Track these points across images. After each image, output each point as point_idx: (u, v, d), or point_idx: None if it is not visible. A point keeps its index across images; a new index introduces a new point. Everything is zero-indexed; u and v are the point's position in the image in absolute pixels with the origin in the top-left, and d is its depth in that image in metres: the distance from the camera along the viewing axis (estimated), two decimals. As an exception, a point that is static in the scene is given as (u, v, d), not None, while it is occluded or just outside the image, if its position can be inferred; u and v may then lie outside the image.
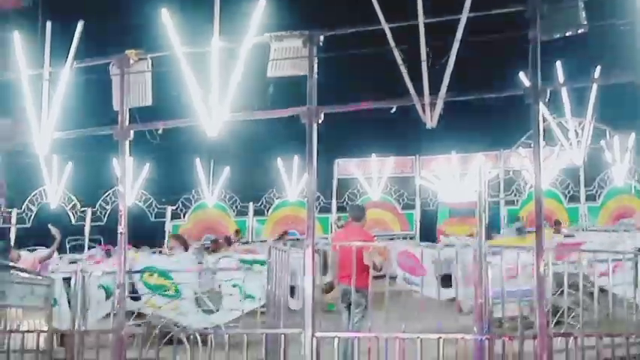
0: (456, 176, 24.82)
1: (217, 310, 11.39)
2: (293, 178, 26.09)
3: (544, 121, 10.29)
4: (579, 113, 13.52)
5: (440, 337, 7.07)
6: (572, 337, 7.18)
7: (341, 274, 9.47)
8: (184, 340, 8.36)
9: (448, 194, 25.15)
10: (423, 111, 6.86)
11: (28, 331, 8.36)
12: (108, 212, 25.40)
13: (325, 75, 7.44)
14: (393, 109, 6.98)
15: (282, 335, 7.83)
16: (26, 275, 9.34)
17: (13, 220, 24.88)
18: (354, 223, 10.03)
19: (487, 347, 7.35)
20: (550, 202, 23.81)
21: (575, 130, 13.71)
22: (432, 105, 6.82)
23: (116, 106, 8.11)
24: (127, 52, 7.97)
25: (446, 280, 11.69)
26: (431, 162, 25.62)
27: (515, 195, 24.77)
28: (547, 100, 6.79)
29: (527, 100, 6.72)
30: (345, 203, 26.16)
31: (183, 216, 26.92)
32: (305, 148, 7.23)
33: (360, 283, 9.21)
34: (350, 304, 9.43)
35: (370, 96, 7.56)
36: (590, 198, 23.87)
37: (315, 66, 7.26)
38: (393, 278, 11.52)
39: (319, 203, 25.36)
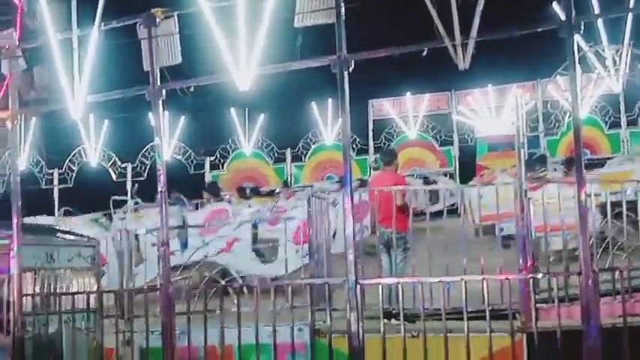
0: (492, 110, 24.53)
1: (274, 261, 11.57)
2: (328, 122, 26.02)
3: (579, 51, 10.04)
4: (616, 40, 13.18)
5: (484, 279, 7.05)
6: (617, 271, 7.12)
7: (379, 218, 9.58)
8: (230, 291, 8.46)
9: (486, 128, 24.90)
10: (455, 52, 6.74)
11: (77, 292, 8.52)
12: (148, 167, 25.61)
13: (354, 21, 7.32)
14: (425, 52, 6.86)
15: (327, 285, 7.88)
16: (72, 237, 9.52)
17: (56, 181, 25.23)
18: (386, 167, 10.16)
19: (532, 284, 7.33)
20: (590, 129, 23.44)
21: (613, 58, 13.39)
22: (464, 45, 6.70)
23: (146, 67, 8.08)
24: (153, 10, 7.91)
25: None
26: (466, 97, 25.32)
27: (554, 125, 24.42)
28: (581, 31, 6.59)
29: (560, 34, 6.55)
30: (382, 144, 26.09)
31: (222, 166, 27.06)
32: (337, 93, 7.17)
33: (399, 226, 9.34)
34: (390, 247, 9.53)
35: (400, 39, 7.44)
36: (632, 123, 23.45)
37: (343, 13, 7.14)
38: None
39: (356, 145, 25.29)
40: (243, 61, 7.56)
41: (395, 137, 26.33)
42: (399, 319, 7.76)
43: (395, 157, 10.37)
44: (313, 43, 8.07)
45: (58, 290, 8.54)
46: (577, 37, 6.95)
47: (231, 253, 12.08)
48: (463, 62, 6.72)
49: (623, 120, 23.37)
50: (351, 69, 6.94)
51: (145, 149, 25.63)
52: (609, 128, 23.79)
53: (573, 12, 6.57)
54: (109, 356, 8.79)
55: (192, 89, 8.06)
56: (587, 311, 6.18)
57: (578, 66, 6.68)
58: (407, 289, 8.01)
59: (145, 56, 8.03)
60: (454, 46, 6.69)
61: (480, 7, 6.74)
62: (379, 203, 9.66)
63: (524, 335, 7.78)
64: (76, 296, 8.43)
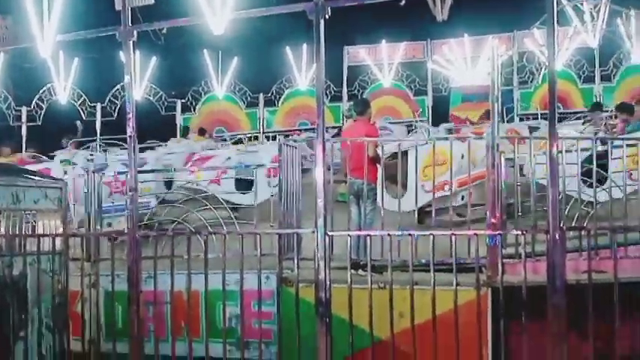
0: (468, 60, 24.45)
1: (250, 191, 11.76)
2: (302, 67, 25.79)
3: (558, 5, 10.00)
4: (593, -6, 13.25)
5: (453, 234, 7.06)
6: (584, 231, 7.18)
7: (350, 167, 9.56)
8: (198, 236, 8.39)
9: (461, 79, 24.84)
10: (434, 3, 6.63)
11: (43, 235, 8.42)
12: (118, 107, 25.28)
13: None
14: (402, 2, 6.74)
15: (295, 234, 7.86)
16: (39, 178, 9.36)
17: (24, 118, 24.84)
18: (359, 117, 10.10)
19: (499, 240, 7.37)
20: (564, 83, 23.44)
21: (591, 13, 13.34)
22: (442, -3, 6.60)
23: (118, 6, 7.87)
24: (126, -52, 7.68)
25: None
26: (442, 46, 25.18)
27: (528, 78, 24.40)
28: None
29: (541, -14, 6.45)
30: (356, 91, 25.96)
31: (194, 109, 26.81)
32: (313, 38, 7.05)
33: (370, 177, 9.35)
34: (359, 198, 9.53)
35: (378, -14, 7.30)
36: (606, 78, 23.49)
37: (321, -43, 6.97)
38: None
39: (330, 92, 25.15)
40: (217, 5, 7.39)
41: (369, 85, 26.17)
42: (366, 270, 7.79)
43: (368, 106, 10.31)
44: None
45: (23, 232, 8.42)
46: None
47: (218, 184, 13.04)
48: (441, 14, 6.62)
49: (597, 75, 23.37)
50: (327, 16, 6.80)
51: (115, 89, 25.25)
52: (583, 82, 23.80)
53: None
54: (74, 299, 8.77)
55: (164, 31, 7.90)
56: (553, 269, 6.22)
57: (555, 20, 6.57)
58: (375, 240, 8.03)
59: (116, -5, 7.81)
60: (432, -3, 6.59)
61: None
62: (350, 153, 9.62)
63: (489, 289, 7.88)
64: (41, 238, 8.33)
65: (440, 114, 24.51)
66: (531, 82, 24.36)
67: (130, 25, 7.76)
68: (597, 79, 23.26)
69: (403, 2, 6.78)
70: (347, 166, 9.74)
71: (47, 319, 8.42)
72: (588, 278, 6.72)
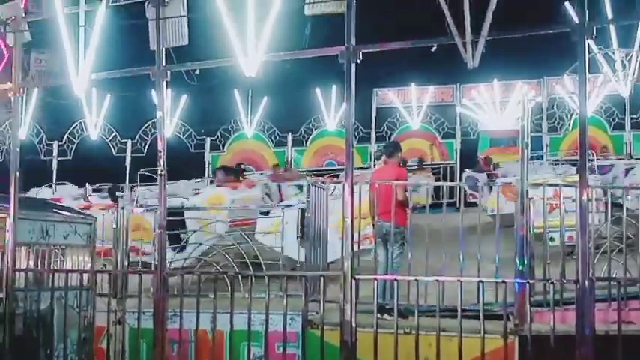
0: (497, 104, 24.39)
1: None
2: (331, 108, 25.89)
3: (589, 53, 9.98)
4: (626, 44, 13.13)
5: (480, 281, 7.02)
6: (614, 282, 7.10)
7: (378, 211, 9.54)
8: (225, 278, 8.42)
9: (489, 123, 24.78)
10: (465, 50, 6.67)
11: (72, 270, 8.48)
12: (148, 143, 25.50)
13: (364, 12, 7.24)
14: (434, 48, 6.79)
15: (322, 277, 7.84)
16: (69, 214, 9.45)
17: (55, 153, 25.14)
18: (388, 159, 10.11)
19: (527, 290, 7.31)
20: (594, 129, 23.31)
21: (622, 62, 13.31)
22: (474, 43, 6.63)
23: (153, 46, 8.01)
24: (162, -10, 7.83)
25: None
26: (471, 90, 25.12)
27: (558, 124, 24.30)
28: (594, 36, 6.52)
29: (573, 37, 6.47)
30: (384, 133, 25.98)
31: (222, 147, 26.98)
32: (344, 79, 7.12)
33: (398, 220, 9.32)
34: (387, 241, 9.49)
35: (409, 32, 7.37)
36: (636, 126, 23.33)
37: (354, 3, 7.06)
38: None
39: (358, 133, 25.19)
40: (250, 47, 7.48)
41: (398, 127, 26.20)
42: (392, 315, 7.74)
43: (398, 149, 10.29)
44: (322, 31, 8.01)
45: (52, 266, 8.49)
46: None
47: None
48: (472, 60, 6.65)
49: (628, 122, 23.22)
50: (359, 60, 6.87)
51: (145, 125, 25.52)
52: (613, 130, 23.66)
53: (587, 16, 6.48)
54: (100, 334, 8.80)
55: (197, 72, 8.00)
56: (582, 319, 6.15)
57: (587, 71, 6.59)
58: (402, 284, 7.99)
59: (151, 36, 7.94)
60: (464, 44, 6.61)
61: (492, 5, 6.66)
62: (379, 196, 9.61)
63: (517, 338, 7.78)
64: (69, 273, 8.38)
65: (468, 157, 24.42)
66: (561, 128, 24.25)
67: (164, 65, 7.88)
68: (627, 126, 23.10)
69: (434, 49, 6.83)
70: (375, 209, 9.72)
71: (72, 354, 8.46)
72: (618, 329, 6.62)
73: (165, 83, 7.92)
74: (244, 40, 7.57)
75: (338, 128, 25.74)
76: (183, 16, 7.73)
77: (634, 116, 23.20)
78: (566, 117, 23.74)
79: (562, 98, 22.86)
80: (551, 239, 9.88)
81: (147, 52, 8.34)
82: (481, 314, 6.96)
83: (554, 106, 23.60)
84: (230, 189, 14.19)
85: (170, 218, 11.30)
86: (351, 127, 7.08)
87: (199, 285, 8.06)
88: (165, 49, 7.99)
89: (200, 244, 11.44)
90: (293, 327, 8.35)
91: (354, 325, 6.96)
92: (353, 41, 6.93)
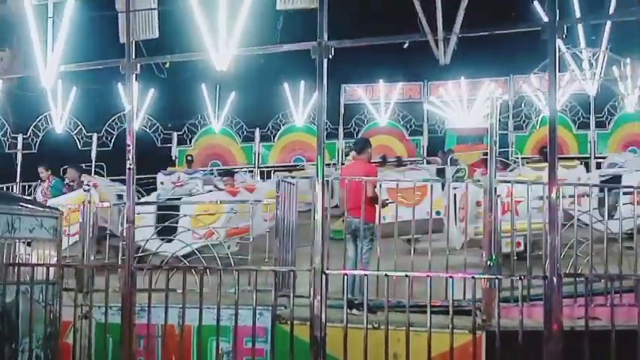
0: (464, 102, 24.59)
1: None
2: (299, 103, 25.88)
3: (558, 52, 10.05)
4: (593, 44, 13.32)
5: (450, 277, 7.06)
6: (582, 278, 7.18)
7: (348, 206, 9.55)
8: (193, 272, 8.39)
9: (456, 120, 24.97)
10: (437, 47, 6.69)
11: (37, 265, 8.36)
12: (114, 137, 25.30)
13: (336, 8, 7.23)
14: (406, 45, 6.81)
15: (291, 272, 7.83)
16: (35, 207, 9.32)
17: (19, 146, 24.80)
18: (358, 156, 10.13)
19: (497, 286, 7.36)
20: (559, 128, 23.46)
21: (590, 61, 13.47)
22: (446, 40, 6.65)
23: (122, 39, 7.92)
24: (131, -19, 7.74)
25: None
26: (439, 88, 25.33)
27: (524, 122, 24.54)
28: (564, 35, 6.58)
29: (543, 36, 6.53)
30: (352, 129, 26.05)
31: (190, 141, 26.84)
32: (312, 73, 7.11)
33: (368, 216, 9.35)
34: (356, 237, 9.53)
35: (382, 28, 7.39)
36: (600, 125, 23.63)
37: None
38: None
39: (326, 128, 25.04)
40: (222, 41, 7.44)
41: (365, 123, 26.27)
42: (361, 310, 7.76)
43: (368, 146, 10.33)
44: (293, 26, 7.99)
45: (17, 260, 8.36)
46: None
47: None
48: (444, 57, 6.68)
49: (593, 121, 23.50)
50: (331, 56, 6.87)
51: (112, 119, 25.30)
52: (578, 128, 23.93)
53: (557, 15, 6.54)
54: (66, 329, 8.70)
55: (167, 65, 7.94)
56: (550, 315, 6.22)
57: (557, 69, 6.65)
58: (371, 280, 8.00)
59: (121, 28, 7.86)
60: (436, 40, 6.64)
61: (464, 2, 6.69)
62: (348, 192, 9.62)
63: (484, 333, 7.84)
64: (35, 268, 8.27)
65: (434, 154, 24.55)
66: (527, 126, 24.48)
67: (134, 58, 7.81)
68: (592, 125, 23.38)
69: (406, 45, 6.86)
70: (344, 205, 9.73)
71: (37, 349, 8.33)
72: (585, 325, 6.70)
73: (134, 76, 7.85)
74: (216, 34, 7.53)
75: (306, 124, 25.77)
76: (154, 9, 7.65)
77: (599, 115, 23.48)
78: (533, 115, 23.97)
79: (528, 97, 23.07)
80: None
81: (116, 45, 8.25)
82: (450, 309, 6.99)
83: (522, 104, 23.79)
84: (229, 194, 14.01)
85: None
86: (323, 123, 7.08)
87: (167, 280, 7.99)
88: (135, 42, 7.91)
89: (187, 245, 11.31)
90: (262, 322, 8.32)
91: (323, 320, 6.96)
92: (325, 37, 6.92)
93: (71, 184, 14.95)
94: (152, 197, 14.92)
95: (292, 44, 7.25)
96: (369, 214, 9.51)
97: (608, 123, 23.63)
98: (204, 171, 23.22)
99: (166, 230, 11.93)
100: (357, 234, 9.53)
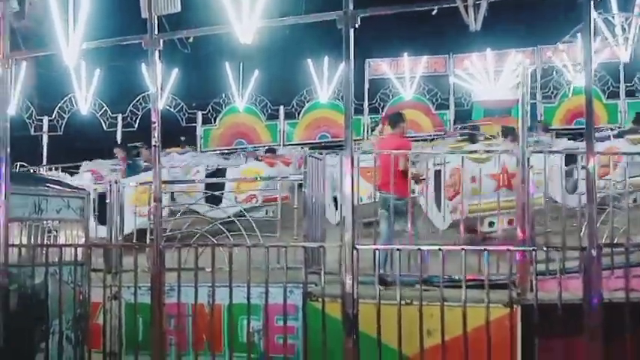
0: (490, 74, 24.20)
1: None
2: (324, 80, 25.66)
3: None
4: (624, 9, 12.98)
5: (485, 250, 6.89)
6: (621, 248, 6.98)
7: (381, 182, 9.38)
8: (221, 249, 8.31)
9: (483, 93, 24.62)
10: (467, 13, 6.47)
11: (65, 245, 8.30)
12: (139, 118, 25.29)
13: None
14: (435, 11, 6.59)
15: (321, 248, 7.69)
16: (61, 188, 9.26)
17: (45, 128, 24.86)
18: (392, 130, 9.95)
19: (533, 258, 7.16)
20: (586, 98, 23.12)
21: (622, 26, 13.10)
22: (476, 6, 6.43)
23: (144, 14, 7.77)
24: (153, -45, 7.57)
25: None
26: (464, 60, 24.96)
27: (552, 92, 24.13)
28: (600, -3, 6.35)
29: (578, -1, 6.28)
30: (377, 104, 25.81)
31: (214, 120, 26.76)
32: (336, 49, 6.93)
33: (399, 191, 9.15)
34: (389, 212, 9.34)
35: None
36: (630, 94, 23.18)
37: (351, -33, 6.84)
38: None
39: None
40: (245, 13, 7.27)
41: (390, 98, 26.01)
42: (392, 286, 7.63)
43: (401, 120, 10.07)
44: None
45: (45, 241, 8.31)
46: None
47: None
48: (474, 24, 6.46)
49: (622, 90, 23.04)
50: (357, 25, 6.67)
51: (136, 99, 25.28)
52: (607, 98, 23.47)
53: (592, -24, 6.29)
54: (95, 310, 8.66)
55: (191, 40, 7.78)
56: (590, 287, 6.03)
57: (592, 32, 6.42)
58: (402, 255, 7.86)
59: (142, 3, 7.70)
60: (466, 7, 6.42)
61: (493, -33, 6.45)
62: (380, 167, 9.44)
63: (520, 307, 7.67)
64: (63, 248, 8.22)
65: (462, 128, 24.26)
66: (555, 97, 24.08)
67: (157, 33, 7.66)
68: (622, 94, 22.94)
69: (435, 12, 6.64)
70: (377, 180, 9.55)
71: (68, 330, 8.30)
72: (626, 297, 6.50)
73: (157, 52, 7.70)
74: (239, 6, 7.35)
75: (330, 100, 25.56)
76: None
77: (629, 84, 23.03)
78: (563, 85, 23.56)
79: (557, 66, 22.64)
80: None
81: (138, 21, 8.11)
82: (486, 283, 6.82)
83: (553, 72, 23.30)
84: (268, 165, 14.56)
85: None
86: (351, 95, 6.89)
87: (196, 258, 7.90)
88: (158, 17, 7.75)
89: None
90: (293, 299, 8.21)
91: (355, 297, 6.82)
92: (351, 5, 6.72)
93: (146, 163, 14.89)
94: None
95: (317, 14, 7.06)
96: (401, 188, 9.33)
97: (639, 91, 23.17)
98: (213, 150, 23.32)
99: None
100: (391, 209, 9.33)
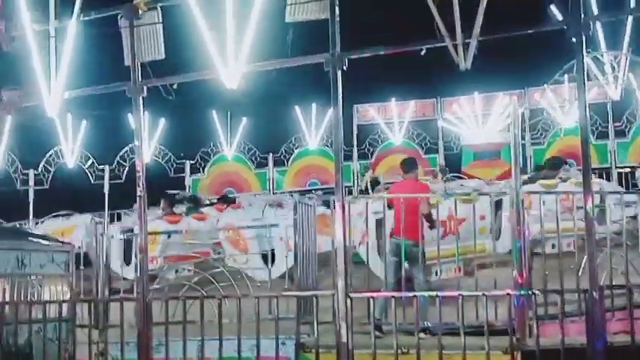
0: (479, 117, 24.18)
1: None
2: (312, 126, 25.57)
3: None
4: (613, 47, 12.93)
5: (483, 294, 6.68)
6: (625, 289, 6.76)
7: (396, 227, 9.10)
8: (210, 302, 8.09)
9: (472, 136, 24.56)
10: (456, 52, 6.35)
11: (50, 302, 8.04)
12: (126, 169, 25.06)
13: (347, 17, 6.92)
14: (423, 51, 6.47)
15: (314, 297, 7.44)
16: (45, 242, 9.04)
17: (31, 182, 24.58)
18: (406, 175, 9.75)
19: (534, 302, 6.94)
20: (577, 139, 23.05)
21: (611, 64, 13.04)
22: (466, 45, 6.32)
23: (127, 61, 7.64)
24: (135, 1, 7.47)
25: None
26: (452, 104, 24.92)
27: (541, 135, 24.09)
28: (590, 31, 6.23)
29: (568, 34, 6.19)
30: (366, 150, 25.67)
31: (203, 170, 26.57)
32: (323, 95, 6.83)
33: (416, 237, 8.92)
34: (400, 259, 9.02)
35: (395, 38, 7.06)
36: (620, 134, 23.12)
37: (337, 8, 6.73)
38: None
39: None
40: (231, 57, 7.13)
41: (380, 143, 25.87)
42: (383, 334, 7.40)
43: (416, 165, 9.96)
44: (304, 40, 7.66)
45: (28, 298, 8.05)
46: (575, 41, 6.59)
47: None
48: (464, 62, 6.34)
49: (611, 130, 22.98)
50: (345, 67, 6.54)
51: (123, 151, 25.07)
52: (597, 138, 23.39)
53: (582, 11, 6.21)
54: (82, 368, 8.36)
55: (175, 86, 7.63)
56: (593, 329, 5.82)
57: (585, 70, 6.30)
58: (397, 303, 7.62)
59: (126, 49, 7.58)
60: (455, 45, 6.31)
61: (483, 5, 6.36)
62: (400, 212, 9.12)
63: (520, 353, 7.42)
64: (47, 305, 7.95)
65: (452, 172, 24.12)
66: (544, 138, 24.03)
67: (140, 80, 7.52)
68: (611, 134, 22.88)
69: (424, 52, 6.53)
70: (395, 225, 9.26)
71: (53, 390, 8.01)
72: (632, 339, 6.26)
73: (141, 99, 7.55)
74: (224, 51, 7.22)
75: (319, 147, 25.45)
76: (158, 23, 7.35)
77: (617, 124, 22.99)
78: (550, 127, 23.54)
79: (545, 108, 22.61)
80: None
81: (122, 69, 7.99)
82: (486, 328, 6.60)
83: (544, 113, 23.19)
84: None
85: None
86: (341, 137, 6.74)
87: (184, 311, 7.64)
88: (141, 64, 7.63)
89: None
90: (285, 352, 7.92)
91: (350, 347, 6.58)
92: (338, 47, 6.60)
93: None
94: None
95: (304, 57, 6.94)
96: (417, 234, 9.04)
97: (628, 132, 23.12)
98: None
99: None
100: (406, 256, 9.01)
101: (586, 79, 6.64)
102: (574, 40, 6.25)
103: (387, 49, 6.66)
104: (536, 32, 6.86)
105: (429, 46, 6.41)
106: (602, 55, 12.83)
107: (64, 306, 8.15)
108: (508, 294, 6.94)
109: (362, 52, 6.63)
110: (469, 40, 6.28)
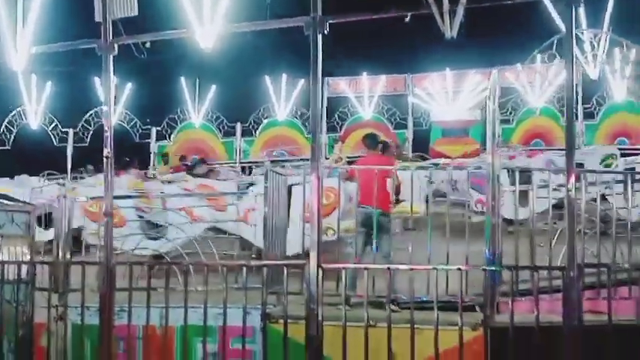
0: (449, 94, 24.10)
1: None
2: (282, 97, 25.32)
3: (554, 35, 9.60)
4: (594, 25, 12.89)
5: (458, 269, 6.57)
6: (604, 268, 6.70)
7: (362, 198, 9.04)
8: (177, 270, 7.93)
9: (441, 113, 24.49)
10: (442, 21, 6.18)
11: (8, 262, 7.80)
12: (91, 133, 24.65)
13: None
14: (407, 18, 6.29)
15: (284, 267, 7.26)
16: (5, 202, 8.78)
17: (-6, 142, 24.13)
18: (369, 150, 9.99)
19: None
20: (546, 120, 23.27)
21: (591, 42, 12.97)
22: (452, 12, 6.15)
23: (98, 17, 7.34)
24: (108, -46, 7.16)
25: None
26: (423, 80, 24.80)
27: (510, 114, 24.10)
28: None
29: (557, 6, 6.04)
30: (335, 123, 25.51)
31: (169, 137, 26.21)
32: (294, 66, 6.66)
33: (386, 206, 9.17)
34: (369, 230, 8.96)
35: (377, 5, 6.86)
36: (588, 116, 23.24)
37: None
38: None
39: (308, 122, 24.62)
40: (207, 17, 6.88)
41: (349, 117, 25.71)
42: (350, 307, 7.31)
43: (378, 141, 10.26)
44: (283, 8, 7.44)
45: (-14, 259, 7.81)
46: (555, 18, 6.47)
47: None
48: (450, 30, 6.17)
49: (580, 112, 23.05)
50: (326, 31, 6.32)
51: (88, 114, 24.63)
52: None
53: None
54: (39, 332, 8.13)
55: (147, 45, 7.36)
56: (570, 308, 5.73)
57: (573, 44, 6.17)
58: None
59: (97, 5, 7.27)
60: (441, 14, 6.13)
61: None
62: (362, 184, 9.13)
63: (489, 329, 7.35)
64: (5, 266, 7.70)
65: (420, 148, 24.08)
66: (513, 117, 24.06)
67: (112, 38, 7.23)
68: (580, 116, 22.96)
69: (408, 19, 6.34)
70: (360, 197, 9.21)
71: (10, 353, 7.81)
72: (608, 319, 6.20)
73: (112, 58, 7.26)
74: (200, 10, 6.96)
75: (288, 118, 25.24)
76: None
77: (587, 106, 23.08)
78: (519, 106, 23.60)
79: (515, 88, 22.61)
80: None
81: (91, 27, 7.68)
82: (460, 304, 6.49)
83: (514, 92, 23.23)
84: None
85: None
86: (319, 104, 6.58)
87: (149, 277, 7.44)
88: (113, 21, 7.33)
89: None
90: (250, 322, 7.75)
91: (320, 318, 6.44)
92: (319, 10, 6.38)
93: None
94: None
95: (284, 19, 6.70)
96: (387, 203, 9.26)
97: (597, 114, 23.24)
98: None
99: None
100: (372, 226, 8.99)
101: (574, 56, 6.50)
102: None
103: (370, 15, 6.46)
104: (517, 7, 6.75)
105: (414, 12, 6.22)
106: (582, 33, 12.76)
107: (23, 268, 7.92)
108: (484, 269, 6.85)
109: (344, 17, 6.42)
110: (455, 8, 6.12)
